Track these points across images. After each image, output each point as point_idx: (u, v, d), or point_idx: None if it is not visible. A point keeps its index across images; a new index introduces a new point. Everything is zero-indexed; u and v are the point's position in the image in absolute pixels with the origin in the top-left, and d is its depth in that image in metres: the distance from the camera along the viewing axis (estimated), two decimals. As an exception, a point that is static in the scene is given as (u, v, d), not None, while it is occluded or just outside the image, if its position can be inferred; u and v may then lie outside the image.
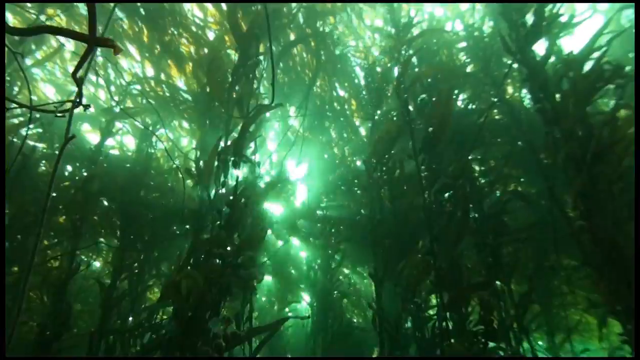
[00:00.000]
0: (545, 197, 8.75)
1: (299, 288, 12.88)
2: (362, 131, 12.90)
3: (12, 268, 8.90)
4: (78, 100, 2.36)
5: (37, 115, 10.36)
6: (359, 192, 11.39)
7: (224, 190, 6.90)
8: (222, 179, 6.86)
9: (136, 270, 9.50)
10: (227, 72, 9.31)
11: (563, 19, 6.95)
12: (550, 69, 6.72)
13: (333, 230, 11.14)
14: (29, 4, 8.90)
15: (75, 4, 9.31)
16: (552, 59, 7.10)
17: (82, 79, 2.27)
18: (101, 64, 10.71)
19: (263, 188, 8.99)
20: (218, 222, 6.36)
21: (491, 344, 6.74)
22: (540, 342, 10.70)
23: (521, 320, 7.19)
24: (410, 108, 8.44)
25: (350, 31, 12.02)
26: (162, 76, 11.06)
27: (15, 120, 9.40)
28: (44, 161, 10.12)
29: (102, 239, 10.31)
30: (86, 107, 2.43)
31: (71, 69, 10.91)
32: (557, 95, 6.31)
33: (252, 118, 7.30)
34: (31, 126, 9.33)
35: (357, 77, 12.39)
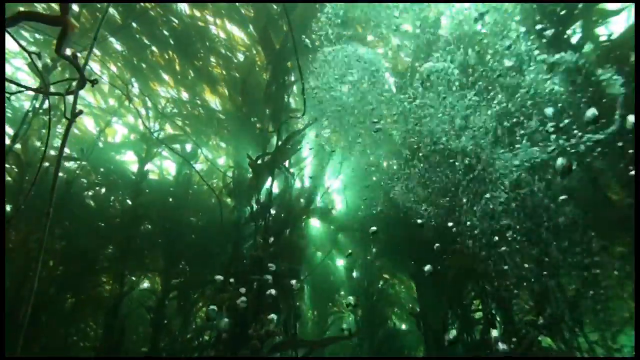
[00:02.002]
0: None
1: (340, 296, 12.81)
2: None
3: (67, 296, 9.31)
4: (82, 81, 2.47)
5: (83, 149, 10.96)
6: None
7: (262, 202, 7.03)
8: (261, 191, 7.01)
9: (182, 290, 9.69)
10: (260, 90, 9.61)
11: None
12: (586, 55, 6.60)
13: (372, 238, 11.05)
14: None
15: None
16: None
17: (75, 57, 2.38)
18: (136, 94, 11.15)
19: (302, 200, 9.10)
20: (258, 234, 6.46)
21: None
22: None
23: (574, 313, 6.89)
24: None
25: (379, 38, 12.07)
26: (197, 100, 11.43)
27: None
28: (89, 192, 10.69)
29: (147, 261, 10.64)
30: (93, 82, 2.56)
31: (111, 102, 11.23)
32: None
33: (293, 134, 7.48)
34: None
35: (386, 82, 12.37)
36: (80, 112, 2.79)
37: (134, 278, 10.52)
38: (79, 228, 9.65)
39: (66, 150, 9.55)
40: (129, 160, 12.17)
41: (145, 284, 11.95)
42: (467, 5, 10.01)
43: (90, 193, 10.96)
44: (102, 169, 11.02)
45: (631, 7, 7.81)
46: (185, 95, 11.53)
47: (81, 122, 11.06)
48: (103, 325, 8.65)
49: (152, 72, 10.82)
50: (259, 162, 7.09)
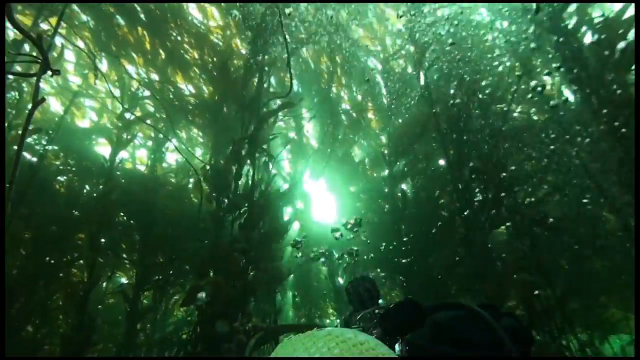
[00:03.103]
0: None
1: (325, 302, 12.60)
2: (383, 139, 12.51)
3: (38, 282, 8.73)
4: (45, 65, 2.14)
5: (51, 133, 10.28)
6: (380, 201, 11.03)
7: (241, 183, 6.66)
8: (239, 176, 6.61)
9: (159, 283, 9.25)
10: (238, 74, 9.15)
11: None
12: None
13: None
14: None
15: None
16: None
17: (40, 38, 2.04)
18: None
19: (281, 189, 8.72)
20: (238, 221, 6.09)
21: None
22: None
23: (563, 311, 6.73)
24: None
25: (371, 34, 11.79)
26: (167, 84, 10.80)
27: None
28: (60, 177, 10.09)
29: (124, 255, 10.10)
30: (55, 72, 2.21)
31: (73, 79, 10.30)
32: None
33: (272, 112, 7.11)
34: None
35: (377, 84, 12.13)
36: (43, 99, 2.46)
37: (110, 274, 10.02)
38: (48, 214, 9.09)
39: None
40: (101, 144, 11.55)
41: (124, 280, 11.39)
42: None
43: (62, 178, 10.35)
44: (74, 155, 10.41)
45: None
46: (155, 77, 10.84)
47: (46, 103, 10.36)
48: (73, 318, 8.12)
49: (121, 49, 10.11)
50: (240, 141, 6.66)
